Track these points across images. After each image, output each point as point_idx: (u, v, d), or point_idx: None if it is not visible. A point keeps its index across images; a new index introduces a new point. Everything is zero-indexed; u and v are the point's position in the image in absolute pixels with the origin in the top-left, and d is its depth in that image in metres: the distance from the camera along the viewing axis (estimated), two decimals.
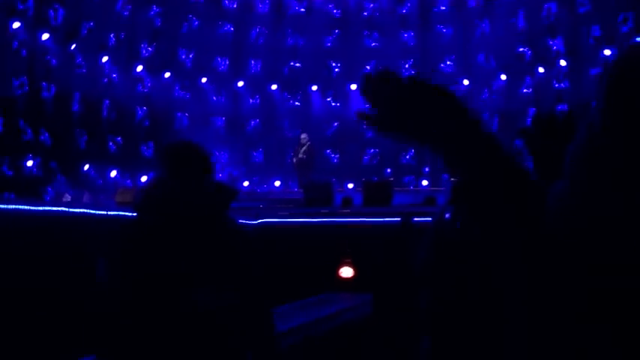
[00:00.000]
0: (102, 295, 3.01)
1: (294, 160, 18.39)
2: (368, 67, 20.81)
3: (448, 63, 20.44)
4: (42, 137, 14.98)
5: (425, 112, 1.34)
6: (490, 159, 1.34)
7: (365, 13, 21.07)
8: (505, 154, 1.35)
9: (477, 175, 1.34)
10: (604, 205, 1.25)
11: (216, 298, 2.96)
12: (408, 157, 20.41)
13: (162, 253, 2.97)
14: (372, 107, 1.36)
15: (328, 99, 21.03)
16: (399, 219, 9.94)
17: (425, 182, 19.46)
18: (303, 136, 18.57)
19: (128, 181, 17.08)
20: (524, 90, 19.10)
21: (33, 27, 14.84)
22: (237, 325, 3.06)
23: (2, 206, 7.41)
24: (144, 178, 16.90)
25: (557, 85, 18.27)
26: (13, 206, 7.62)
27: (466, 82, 19.84)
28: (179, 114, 19.67)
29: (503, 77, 19.31)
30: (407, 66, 20.54)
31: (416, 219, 9.71)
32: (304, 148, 18.26)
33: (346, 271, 9.93)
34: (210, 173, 3.21)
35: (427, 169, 19.54)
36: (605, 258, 1.24)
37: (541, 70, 18.60)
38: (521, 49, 19.17)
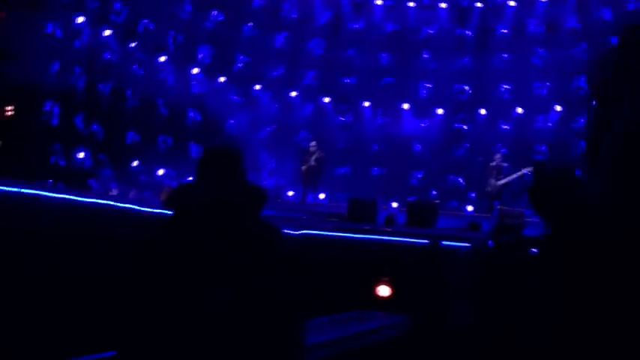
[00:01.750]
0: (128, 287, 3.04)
1: (303, 167, 18.23)
2: (425, 89, 20.73)
3: (504, 89, 20.20)
4: (95, 130, 15.23)
5: None
6: None
7: (423, 33, 20.97)
8: None
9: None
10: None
11: (235, 300, 2.93)
12: (455, 180, 20.26)
13: (184, 250, 2.98)
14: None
15: (379, 116, 20.97)
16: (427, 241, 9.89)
17: (470, 207, 19.25)
18: (312, 143, 18.46)
19: (174, 181, 17.24)
20: (578, 123, 18.79)
21: (96, 23, 15.13)
22: (260, 331, 3.01)
23: (53, 194, 7.53)
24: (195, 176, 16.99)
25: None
26: (63, 195, 7.74)
27: (520, 110, 19.62)
28: (231, 119, 19.80)
29: (559, 108, 19.03)
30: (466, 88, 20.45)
31: (445, 243, 9.64)
32: (315, 156, 18.07)
33: (383, 290, 9.84)
34: (240, 176, 3.22)
35: (473, 195, 19.34)
36: None
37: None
38: (579, 82, 18.89)
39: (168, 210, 3.18)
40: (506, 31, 20.24)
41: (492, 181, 16.51)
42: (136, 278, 3.05)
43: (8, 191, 6.82)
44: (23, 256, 6.38)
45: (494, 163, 16.77)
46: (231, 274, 2.96)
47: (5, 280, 6.19)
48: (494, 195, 16.47)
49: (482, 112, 20.08)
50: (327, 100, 20.82)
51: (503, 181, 16.29)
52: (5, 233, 6.37)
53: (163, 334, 2.91)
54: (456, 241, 9.87)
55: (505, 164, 16.61)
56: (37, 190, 7.33)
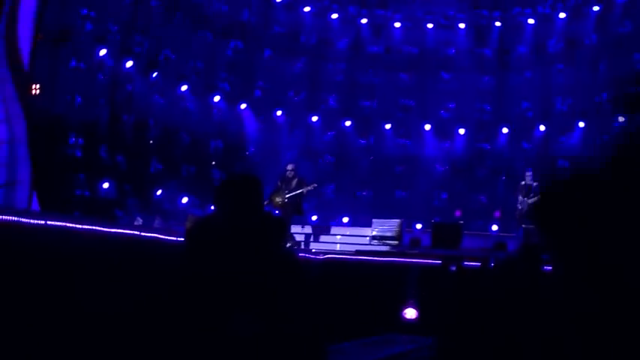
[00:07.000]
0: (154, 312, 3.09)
1: (285, 195, 14.52)
2: (446, 109, 20.70)
3: (525, 107, 20.13)
4: (118, 161, 15.38)
5: None
6: None
7: (443, 54, 20.98)
8: None
9: None
10: None
11: (258, 326, 2.96)
12: (479, 201, 20.14)
13: (206, 278, 3.02)
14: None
15: (401, 138, 20.94)
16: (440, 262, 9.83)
17: (495, 227, 19.09)
18: (289, 167, 15.11)
19: (198, 209, 17.31)
20: (602, 138, 18.63)
21: (118, 54, 15.33)
22: (286, 353, 3.03)
23: (78, 226, 7.59)
24: (213, 207, 17.04)
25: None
26: (88, 226, 7.80)
27: (542, 127, 19.53)
28: (252, 145, 19.88)
29: (582, 124, 18.90)
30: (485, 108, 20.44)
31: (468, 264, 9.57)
32: (295, 181, 14.68)
33: (410, 313, 9.79)
34: (258, 205, 3.25)
35: (498, 214, 19.18)
36: None
37: (621, 119, 18.11)
38: (601, 97, 18.79)
39: (191, 242, 3.23)
40: (525, 49, 20.18)
41: (523, 199, 16.28)
42: (164, 306, 3.09)
43: (36, 224, 6.89)
44: (51, 289, 6.42)
45: (524, 182, 16.55)
46: (255, 299, 3.00)
47: (33, 313, 6.24)
48: (524, 214, 16.23)
49: (505, 130, 20.00)
50: (348, 123, 20.83)
51: (533, 200, 16.09)
52: (32, 266, 6.43)
53: (194, 356, 2.96)
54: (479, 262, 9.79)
55: (535, 183, 16.37)
56: (63, 221, 7.40)
